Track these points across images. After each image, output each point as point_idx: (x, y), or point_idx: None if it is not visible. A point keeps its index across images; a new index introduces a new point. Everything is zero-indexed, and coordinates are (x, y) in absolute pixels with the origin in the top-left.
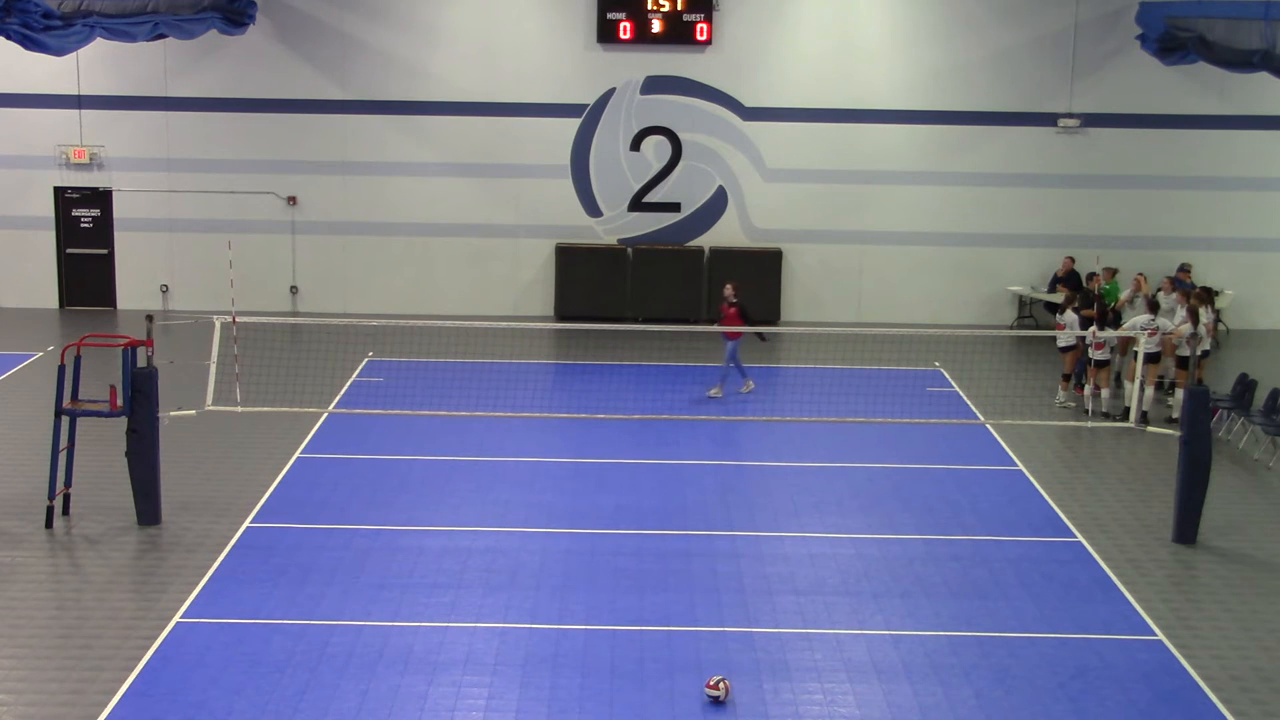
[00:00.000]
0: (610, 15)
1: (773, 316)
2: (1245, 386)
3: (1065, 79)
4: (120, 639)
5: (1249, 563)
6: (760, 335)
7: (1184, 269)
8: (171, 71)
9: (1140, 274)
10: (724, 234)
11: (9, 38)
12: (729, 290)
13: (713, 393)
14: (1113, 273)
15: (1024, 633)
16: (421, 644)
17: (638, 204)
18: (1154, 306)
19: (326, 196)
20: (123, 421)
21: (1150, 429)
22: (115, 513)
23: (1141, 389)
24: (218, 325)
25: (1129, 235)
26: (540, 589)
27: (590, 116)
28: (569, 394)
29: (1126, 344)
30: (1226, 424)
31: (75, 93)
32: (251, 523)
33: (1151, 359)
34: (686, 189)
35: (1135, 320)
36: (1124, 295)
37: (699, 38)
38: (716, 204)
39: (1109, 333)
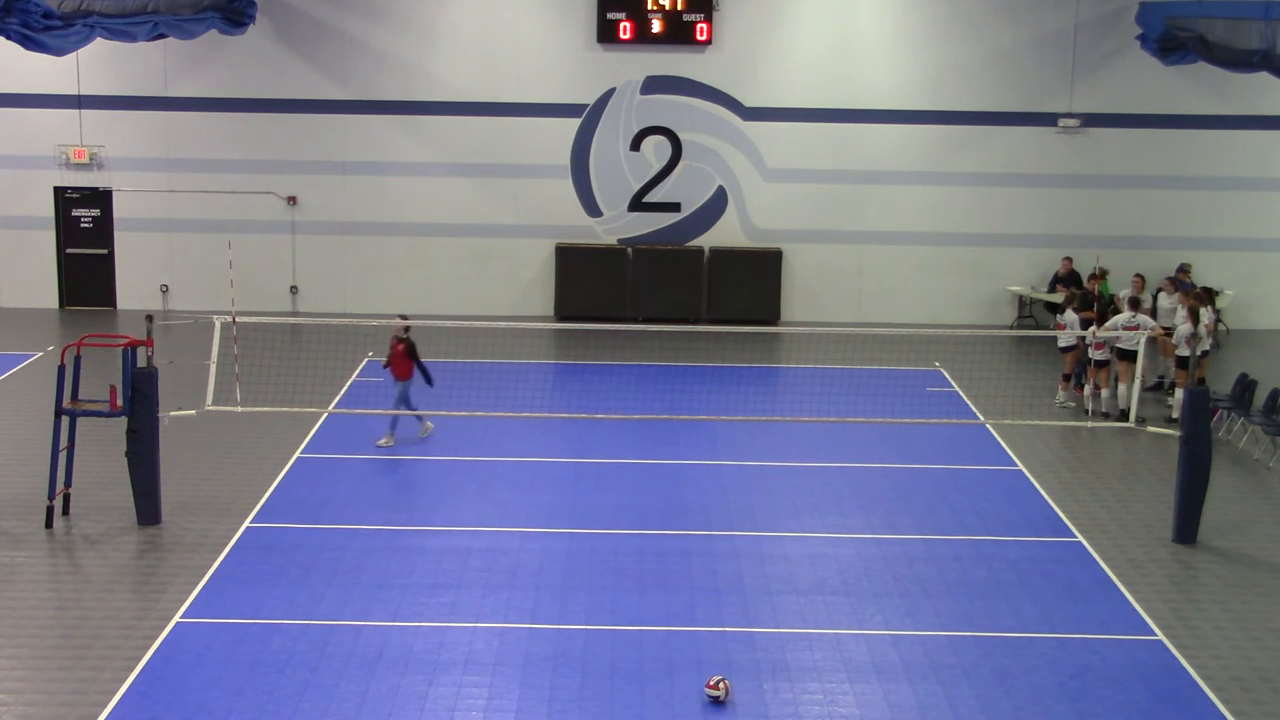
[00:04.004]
0: (610, 15)
1: (773, 316)
2: (1245, 386)
3: (1065, 79)
4: (120, 639)
5: (1249, 563)
6: (428, 379)
7: (1184, 269)
8: (171, 71)
9: (1139, 275)
10: (724, 234)
11: (9, 38)
12: (399, 327)
13: (382, 442)
14: (1104, 274)
15: (1024, 633)
16: (421, 644)
17: (638, 204)
18: (1134, 303)
19: (326, 196)
20: (123, 421)
21: (1150, 429)
22: (115, 513)
23: (1130, 387)
24: (218, 325)
25: (1129, 235)
26: (540, 589)
27: (590, 116)
28: (569, 394)
29: None
30: (1226, 424)
31: (75, 93)
32: (251, 523)
33: (1128, 356)
34: (686, 189)
35: (1115, 319)
36: (1121, 293)
37: (699, 38)
38: (716, 204)
39: (1107, 333)
